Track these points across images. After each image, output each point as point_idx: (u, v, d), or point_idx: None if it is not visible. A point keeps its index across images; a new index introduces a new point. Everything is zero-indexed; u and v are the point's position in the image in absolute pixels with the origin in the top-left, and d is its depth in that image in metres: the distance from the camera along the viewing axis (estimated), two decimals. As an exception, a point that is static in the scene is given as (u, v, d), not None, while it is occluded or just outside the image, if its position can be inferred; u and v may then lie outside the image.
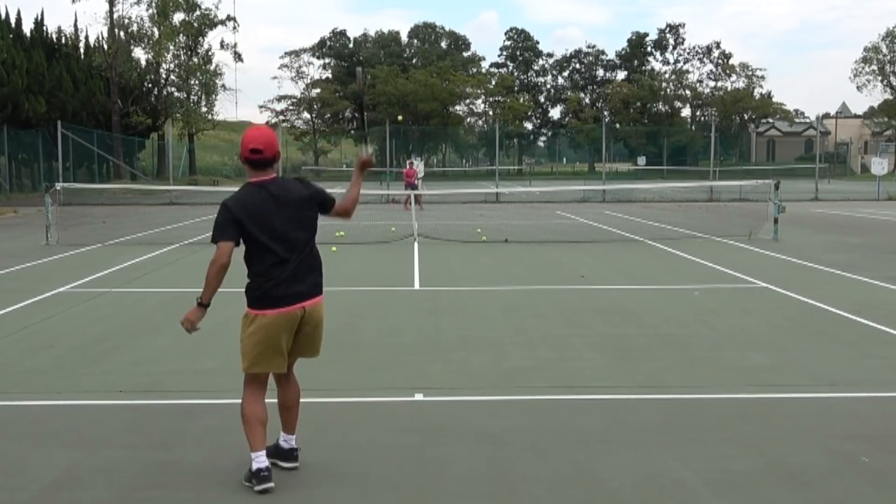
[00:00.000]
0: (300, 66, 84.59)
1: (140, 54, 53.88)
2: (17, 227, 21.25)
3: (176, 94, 56.46)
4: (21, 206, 28.92)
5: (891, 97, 74.93)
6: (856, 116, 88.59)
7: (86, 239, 16.97)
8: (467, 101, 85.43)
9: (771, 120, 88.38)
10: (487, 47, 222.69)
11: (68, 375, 6.50)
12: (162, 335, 7.92)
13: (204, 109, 57.32)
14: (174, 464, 4.59)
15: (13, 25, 41.67)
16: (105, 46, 49.99)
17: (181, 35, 53.57)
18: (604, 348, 7.32)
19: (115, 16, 50.31)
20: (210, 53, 57.09)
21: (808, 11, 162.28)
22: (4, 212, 26.74)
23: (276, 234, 4.29)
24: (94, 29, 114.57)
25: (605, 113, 79.60)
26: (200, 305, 4.45)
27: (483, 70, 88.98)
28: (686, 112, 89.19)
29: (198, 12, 54.21)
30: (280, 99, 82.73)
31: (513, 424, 5.25)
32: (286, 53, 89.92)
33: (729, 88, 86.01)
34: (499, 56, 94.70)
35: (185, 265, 13.38)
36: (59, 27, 68.81)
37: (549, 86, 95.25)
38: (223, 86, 58.34)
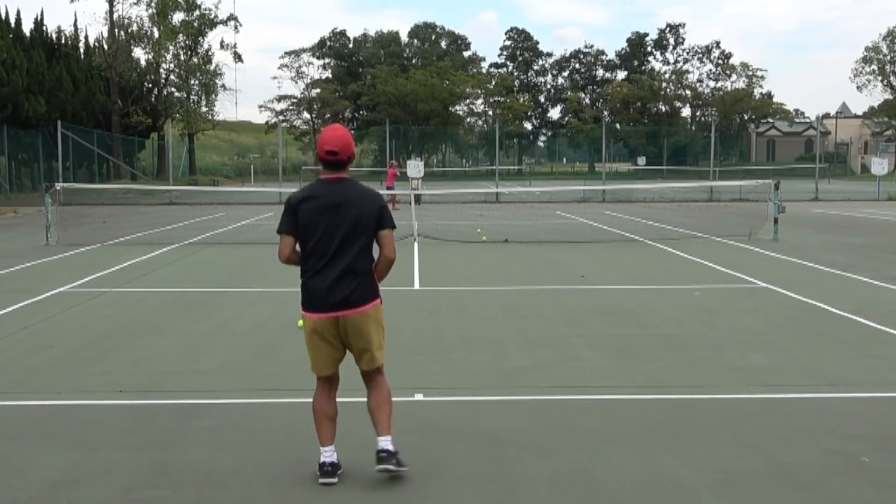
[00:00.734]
0: (300, 66, 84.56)
1: (140, 54, 53.99)
2: (17, 227, 21.25)
3: (176, 94, 56.50)
4: (21, 206, 28.92)
5: (891, 97, 74.97)
6: (856, 116, 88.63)
7: (86, 239, 16.97)
8: (467, 101, 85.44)
9: (771, 120, 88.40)
10: (487, 47, 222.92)
11: (68, 375, 6.50)
12: (162, 335, 7.92)
13: (204, 109, 57.40)
14: (174, 464, 4.59)
15: (13, 25, 41.69)
16: (105, 46, 50.02)
17: (181, 35, 53.59)
18: (604, 348, 7.32)
19: (115, 16, 50.40)
20: (210, 53, 57.20)
21: (808, 11, 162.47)
22: (4, 212, 26.74)
23: (320, 235, 4.26)
24: (94, 29, 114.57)
25: (605, 113, 79.60)
26: None
27: (483, 70, 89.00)
28: (686, 112, 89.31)
29: (197, 12, 54.24)
30: (280, 99, 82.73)
31: (513, 424, 5.25)
32: (286, 53, 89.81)
33: (729, 88, 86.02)
34: (499, 56, 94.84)
35: (185, 265, 13.38)
36: (59, 27, 68.69)
37: (548, 86, 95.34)
38: (223, 86, 58.49)
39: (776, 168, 59.85)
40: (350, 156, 4.33)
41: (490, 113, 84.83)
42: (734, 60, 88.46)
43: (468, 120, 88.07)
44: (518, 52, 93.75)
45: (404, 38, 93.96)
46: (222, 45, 62.37)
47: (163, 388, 6.08)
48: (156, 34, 51.48)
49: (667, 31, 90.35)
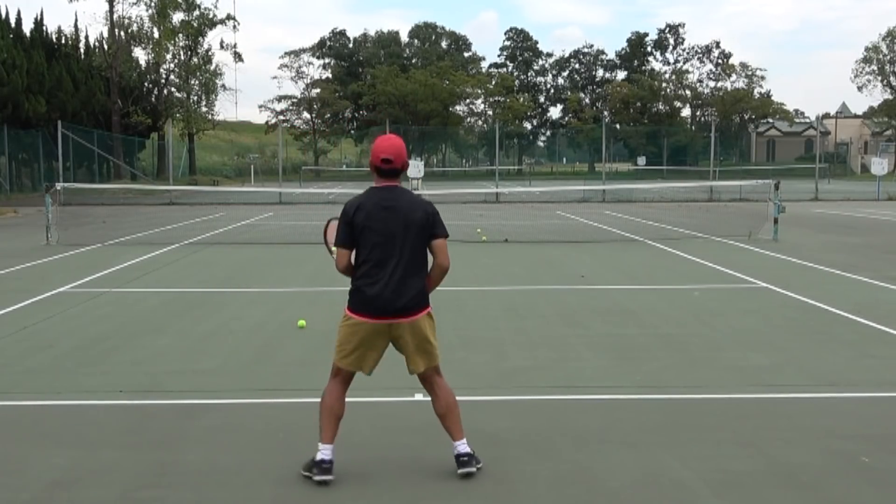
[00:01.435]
0: (300, 66, 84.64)
1: (140, 54, 53.99)
2: (17, 227, 21.25)
3: (176, 94, 56.50)
4: (21, 206, 28.92)
5: (891, 97, 74.98)
6: (856, 116, 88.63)
7: (86, 239, 16.97)
8: (467, 101, 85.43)
9: (771, 120, 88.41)
10: (487, 47, 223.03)
11: (68, 375, 6.50)
12: (162, 335, 7.92)
13: (204, 109, 57.43)
14: (174, 464, 4.59)
15: (13, 25, 41.66)
16: (105, 46, 50.02)
17: (181, 35, 53.59)
18: (604, 348, 7.32)
19: (115, 16, 50.37)
20: (210, 53, 57.23)
21: (807, 11, 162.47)
22: (4, 212, 26.74)
23: (375, 242, 4.32)
24: (94, 29, 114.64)
25: (605, 113, 79.62)
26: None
27: (483, 70, 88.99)
28: (686, 112, 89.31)
29: (197, 12, 54.24)
30: (280, 99, 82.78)
31: (513, 424, 5.25)
32: (286, 53, 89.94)
33: (729, 88, 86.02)
34: (498, 56, 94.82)
35: (185, 265, 13.38)
36: (59, 27, 68.95)
37: (548, 86, 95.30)
38: (223, 86, 58.52)
39: (776, 168, 59.86)
40: (404, 164, 4.42)
41: (490, 113, 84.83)
42: (734, 60, 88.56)
43: (468, 120, 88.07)
44: (518, 52, 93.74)
45: (404, 38, 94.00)
46: (222, 45, 62.58)
47: (163, 388, 6.08)
48: (156, 34, 51.48)
49: (666, 31, 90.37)
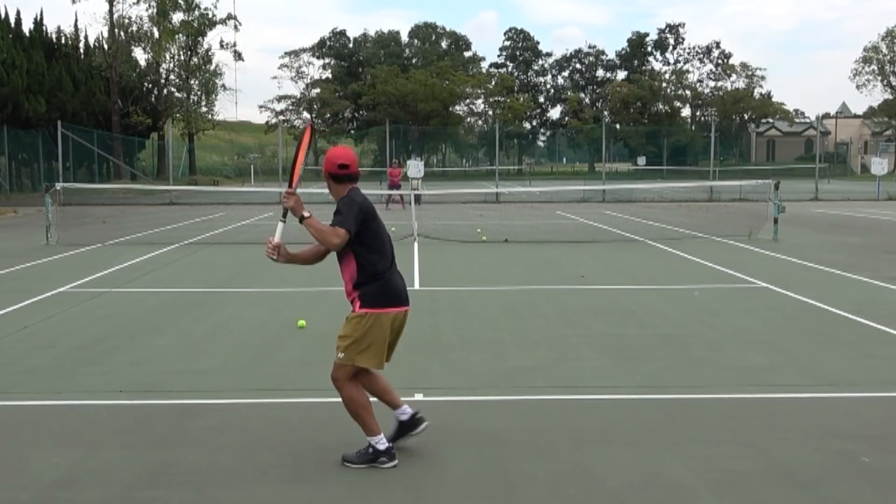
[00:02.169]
0: (300, 66, 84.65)
1: (140, 54, 53.99)
2: (17, 227, 21.25)
3: (176, 94, 56.50)
4: (21, 206, 28.92)
5: (891, 97, 74.96)
6: (856, 116, 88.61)
7: (86, 239, 16.97)
8: (467, 101, 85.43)
9: (771, 120, 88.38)
10: (487, 47, 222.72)
11: (68, 375, 6.50)
12: (162, 335, 7.93)
13: (204, 109, 57.40)
14: (174, 464, 4.59)
15: (13, 25, 41.67)
16: (105, 46, 50.02)
17: (181, 35, 53.59)
18: (604, 348, 7.32)
19: (115, 16, 50.38)
20: (210, 53, 57.20)
21: (807, 11, 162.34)
22: (4, 212, 26.74)
23: (386, 238, 4.78)
24: (94, 29, 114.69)
25: (605, 113, 79.61)
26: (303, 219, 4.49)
27: (483, 70, 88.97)
28: (686, 112, 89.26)
29: (197, 12, 54.24)
30: (280, 99, 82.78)
31: (513, 424, 5.25)
32: (286, 53, 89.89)
33: (729, 88, 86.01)
34: (498, 56, 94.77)
35: (185, 265, 13.39)
36: (59, 27, 68.97)
37: (548, 86, 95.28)
38: (223, 86, 58.49)
39: (776, 168, 59.85)
40: (358, 172, 4.72)
41: (490, 113, 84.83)
42: (734, 60, 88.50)
43: (468, 120, 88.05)
44: (518, 53, 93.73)
45: (404, 38, 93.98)
46: (222, 45, 62.46)
47: (163, 388, 6.08)
48: (156, 34, 51.48)
49: (667, 31, 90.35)
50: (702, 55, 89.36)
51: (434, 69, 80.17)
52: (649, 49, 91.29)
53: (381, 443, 4.50)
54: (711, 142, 41.08)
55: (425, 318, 8.75)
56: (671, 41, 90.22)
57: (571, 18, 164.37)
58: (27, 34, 43.01)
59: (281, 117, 77.89)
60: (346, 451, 4.58)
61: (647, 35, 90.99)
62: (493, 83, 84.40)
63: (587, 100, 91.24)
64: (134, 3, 51.29)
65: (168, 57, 54.08)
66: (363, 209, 4.47)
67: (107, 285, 11.03)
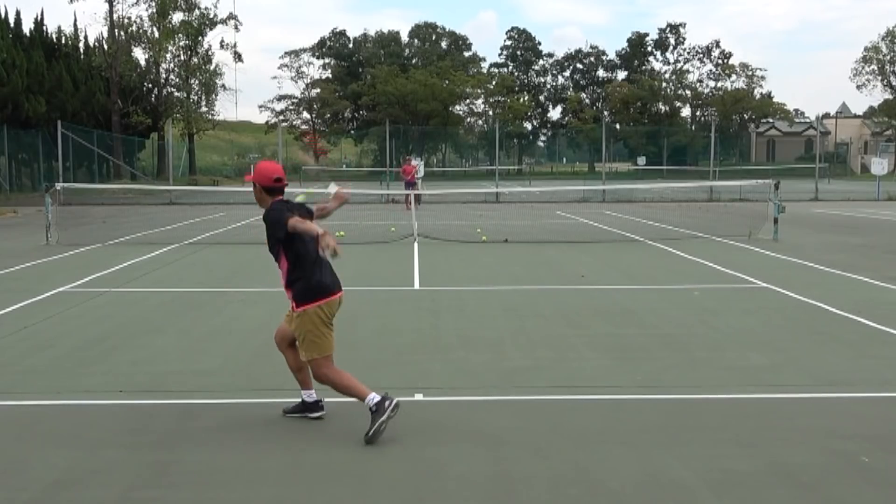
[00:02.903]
0: (300, 66, 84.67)
1: (140, 54, 53.99)
2: (17, 227, 21.25)
3: (176, 94, 56.49)
4: (21, 206, 28.92)
5: (891, 97, 74.97)
6: (856, 116, 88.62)
7: (86, 239, 16.97)
8: (467, 101, 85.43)
9: (771, 120, 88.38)
10: (486, 47, 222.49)
11: (68, 375, 6.50)
12: (162, 335, 7.93)
13: (204, 109, 57.41)
14: (174, 464, 4.59)
15: (13, 25, 41.66)
16: (105, 46, 50.02)
17: (181, 35, 53.58)
18: (604, 348, 7.32)
19: (115, 16, 50.38)
20: (210, 53, 57.18)
21: (807, 11, 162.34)
22: (4, 212, 26.74)
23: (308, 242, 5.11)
24: (94, 29, 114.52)
25: (605, 113, 79.60)
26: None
27: (483, 70, 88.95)
28: (686, 112, 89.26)
29: (197, 12, 54.25)
30: (280, 99, 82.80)
31: (513, 424, 5.25)
32: (286, 53, 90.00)
33: (729, 88, 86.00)
34: (499, 56, 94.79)
35: (185, 265, 13.39)
36: (59, 27, 68.86)
37: (549, 86, 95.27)
38: (223, 86, 58.50)
39: (776, 168, 59.82)
40: (285, 183, 5.22)
41: (490, 113, 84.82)
42: (734, 60, 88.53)
43: (468, 120, 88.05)
44: (519, 52, 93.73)
45: (404, 38, 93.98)
46: (222, 45, 62.51)
47: (163, 388, 6.08)
48: (155, 34, 51.48)
49: (667, 31, 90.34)
50: (702, 55, 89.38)
51: (434, 69, 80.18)
52: (649, 49, 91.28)
53: (373, 398, 4.88)
54: (711, 142, 41.09)
55: (425, 318, 8.75)
56: (671, 41, 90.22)
57: (571, 18, 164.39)
58: (27, 34, 43.00)
59: (281, 117, 77.87)
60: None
61: (647, 35, 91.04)
62: (494, 83, 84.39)
63: (587, 100, 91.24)
64: (133, 4, 51.29)
65: (168, 57, 54.08)
66: (283, 211, 4.98)
67: (107, 285, 11.03)
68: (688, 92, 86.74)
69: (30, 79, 39.83)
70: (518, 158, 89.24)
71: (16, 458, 4.69)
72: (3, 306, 9.33)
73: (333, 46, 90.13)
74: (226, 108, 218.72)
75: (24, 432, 5.17)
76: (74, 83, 44.59)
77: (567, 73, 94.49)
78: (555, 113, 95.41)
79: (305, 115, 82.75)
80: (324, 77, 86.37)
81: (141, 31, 51.67)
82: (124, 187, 36.10)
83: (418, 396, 5.88)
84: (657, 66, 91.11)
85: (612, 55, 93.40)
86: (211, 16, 55.06)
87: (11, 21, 41.62)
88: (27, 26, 43.93)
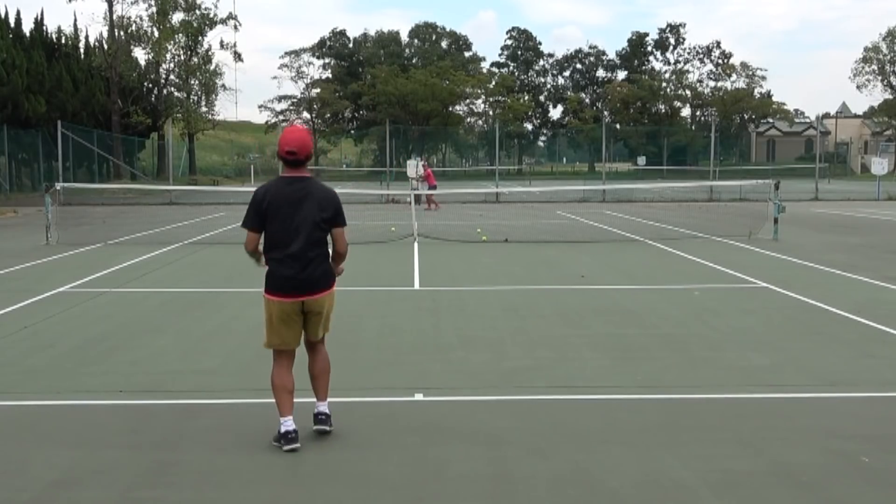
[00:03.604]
0: (300, 66, 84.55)
1: (140, 54, 53.99)
2: (17, 227, 21.25)
3: (176, 94, 56.49)
4: (21, 206, 28.92)
5: (891, 97, 74.96)
6: (856, 116, 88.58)
7: (86, 239, 16.97)
8: (467, 101, 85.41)
9: (771, 120, 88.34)
10: (485, 46, 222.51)
11: (68, 375, 6.50)
12: (162, 335, 7.93)
13: (204, 109, 57.41)
14: (174, 464, 4.59)
15: (13, 25, 41.65)
16: (105, 46, 50.02)
17: (181, 35, 53.58)
18: (604, 348, 7.32)
19: (115, 16, 50.38)
20: (210, 53, 57.18)
21: (806, 11, 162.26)
22: (4, 212, 26.74)
23: (283, 227, 4.75)
24: (94, 29, 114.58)
25: (605, 113, 79.58)
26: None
27: (483, 70, 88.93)
28: (686, 112, 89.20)
29: (197, 12, 54.24)
30: (280, 99, 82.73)
31: (513, 424, 5.25)
32: (286, 53, 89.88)
33: (729, 88, 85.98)
34: (499, 56, 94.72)
35: (185, 265, 13.39)
36: (59, 27, 68.60)
37: (549, 86, 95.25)
38: (223, 86, 58.49)
39: (776, 168, 59.80)
40: (307, 155, 4.82)
41: (490, 113, 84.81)
42: (734, 60, 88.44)
43: (468, 120, 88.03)
44: (519, 52, 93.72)
45: (405, 38, 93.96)
46: (222, 45, 62.38)
47: (163, 388, 6.08)
48: (155, 34, 51.48)
49: (667, 30, 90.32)
50: (702, 55, 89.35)
51: (434, 69, 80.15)
52: (649, 49, 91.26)
53: (283, 425, 4.72)
54: (711, 142, 41.09)
55: (425, 318, 8.75)
56: (671, 41, 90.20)
57: (571, 18, 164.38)
58: (27, 34, 42.98)
59: (281, 117, 77.85)
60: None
61: (647, 35, 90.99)
62: (494, 83, 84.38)
63: (587, 100, 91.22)
64: (133, 3, 51.27)
65: (168, 57, 54.07)
66: (254, 200, 4.81)
67: (107, 285, 11.03)
68: (688, 92, 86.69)
69: (30, 79, 39.83)
70: (518, 158, 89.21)
71: (16, 458, 4.69)
72: (4, 306, 9.33)
73: (333, 46, 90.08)
74: (226, 108, 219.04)
75: (24, 432, 5.17)
76: (74, 83, 44.58)
77: (567, 73, 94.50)
78: (555, 113, 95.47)
79: (305, 115, 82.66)
80: (324, 77, 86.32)
81: (141, 31, 51.68)
82: (124, 187, 36.10)
83: (418, 396, 5.88)
84: (657, 66, 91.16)
85: (612, 55, 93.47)
86: (211, 16, 55.07)
87: (12, 21, 41.62)
88: (27, 26, 43.98)
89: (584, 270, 12.40)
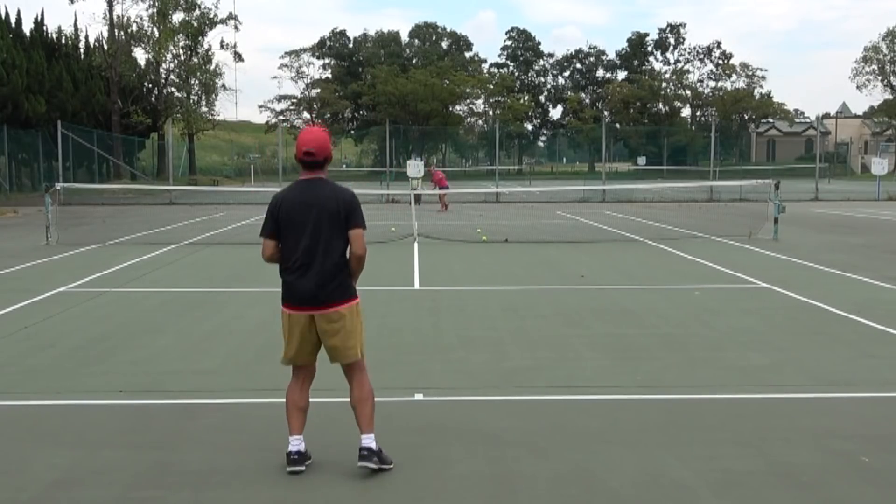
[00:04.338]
0: (300, 66, 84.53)
1: (140, 54, 53.99)
2: (17, 227, 21.25)
3: (176, 94, 56.49)
4: (21, 206, 28.92)
5: (891, 97, 74.96)
6: (856, 116, 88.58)
7: (86, 239, 16.97)
8: (467, 101, 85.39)
9: (771, 120, 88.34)
10: (484, 46, 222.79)
11: (68, 375, 6.50)
12: (162, 335, 7.92)
13: (204, 109, 57.40)
14: (174, 464, 4.59)
15: (13, 25, 41.66)
16: (105, 46, 50.02)
17: (181, 35, 53.59)
18: (604, 348, 7.32)
19: (115, 16, 50.38)
20: (210, 53, 57.19)
21: (806, 11, 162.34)
22: (4, 212, 26.74)
23: (297, 233, 4.45)
24: (94, 29, 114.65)
25: (605, 113, 79.57)
26: None
27: (483, 71, 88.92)
28: (686, 112, 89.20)
29: (197, 12, 54.25)
30: (280, 99, 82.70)
31: (513, 424, 5.25)
32: (286, 53, 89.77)
33: (729, 88, 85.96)
34: (499, 56, 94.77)
35: (185, 265, 13.39)
36: (59, 27, 68.69)
37: (549, 86, 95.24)
38: (223, 86, 58.47)
39: (776, 168, 59.83)
40: (326, 157, 4.47)
41: (490, 113, 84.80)
42: (734, 60, 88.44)
43: (468, 120, 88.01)
44: (519, 53, 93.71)
45: (405, 38, 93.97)
46: (222, 45, 62.38)
47: (163, 388, 6.08)
48: (156, 34, 51.48)
49: (667, 31, 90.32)
50: (702, 55, 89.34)
51: (434, 69, 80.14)
52: (650, 49, 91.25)
53: (289, 444, 4.48)
54: (711, 142, 41.10)
55: (425, 318, 8.75)
56: (671, 41, 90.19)
57: (571, 18, 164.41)
58: (27, 34, 42.99)
59: (281, 117, 77.84)
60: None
61: (647, 35, 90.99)
62: (494, 83, 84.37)
63: (587, 100, 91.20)
64: (133, 3, 51.26)
65: (168, 57, 54.08)
66: (270, 206, 4.55)
67: (107, 285, 11.03)
68: (688, 92, 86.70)
69: (30, 79, 39.82)
70: (518, 158, 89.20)
71: (16, 458, 4.69)
72: (4, 306, 9.33)
73: (333, 46, 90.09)
74: (226, 108, 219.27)
75: (24, 432, 5.17)
76: (74, 83, 44.58)
77: (567, 74, 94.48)
78: (555, 113, 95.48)
79: (305, 115, 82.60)
80: (324, 77, 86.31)
81: (141, 31, 51.68)
82: (124, 187, 36.09)
83: (418, 396, 5.88)
84: (657, 66, 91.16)
85: (612, 55, 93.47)
86: (211, 16, 55.08)
87: (12, 21, 41.63)
88: (27, 26, 44.02)
89: (584, 270, 12.40)
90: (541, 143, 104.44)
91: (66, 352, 7.26)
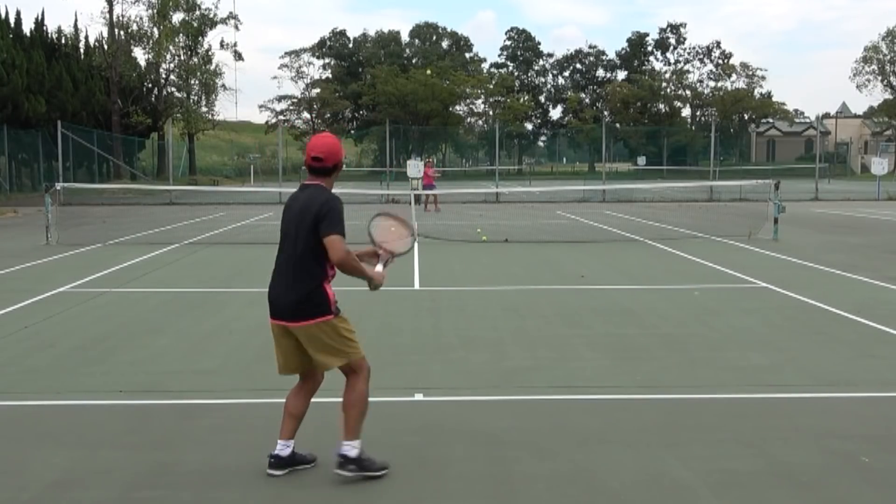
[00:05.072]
0: (300, 66, 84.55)
1: (140, 54, 54.00)
2: (17, 227, 21.25)
3: (176, 94, 56.51)
4: (21, 206, 28.91)
5: (891, 97, 74.94)
6: (856, 116, 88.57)
7: (86, 239, 16.97)
8: (467, 101, 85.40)
9: (771, 120, 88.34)
10: (484, 46, 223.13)
11: (68, 375, 6.50)
12: (162, 335, 7.92)
13: (204, 109, 57.43)
14: (174, 464, 4.59)
15: (13, 25, 41.65)
16: (105, 46, 50.03)
17: (181, 35, 53.60)
18: (604, 348, 7.32)
19: (115, 15, 50.39)
20: (210, 53, 57.22)
21: (806, 11, 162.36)
22: (4, 212, 26.74)
23: (281, 239, 4.41)
24: (94, 29, 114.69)
25: (605, 113, 79.59)
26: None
27: (483, 71, 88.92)
28: (686, 112, 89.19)
29: (197, 12, 54.26)
30: (280, 99, 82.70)
31: (513, 424, 5.25)
32: (286, 53, 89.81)
33: (729, 88, 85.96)
34: (499, 56, 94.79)
35: (185, 265, 13.38)
36: (59, 27, 68.72)
37: (549, 86, 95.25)
38: (223, 86, 58.51)
39: (776, 168, 59.82)
40: (336, 164, 4.34)
41: (490, 113, 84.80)
42: (734, 60, 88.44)
43: (468, 120, 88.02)
44: (519, 53, 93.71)
45: (405, 38, 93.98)
46: (222, 45, 62.48)
47: (163, 388, 6.08)
48: (156, 34, 51.50)
49: (667, 30, 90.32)
50: (702, 55, 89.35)
51: (434, 69, 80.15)
52: (650, 49, 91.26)
53: (277, 448, 4.44)
54: (711, 142, 41.09)
55: (425, 318, 8.76)
56: (671, 41, 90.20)
57: (570, 18, 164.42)
58: (27, 34, 43.00)
59: (281, 117, 77.84)
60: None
61: (647, 35, 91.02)
62: (494, 83, 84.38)
63: (587, 100, 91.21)
64: (133, 3, 51.26)
65: (168, 57, 54.10)
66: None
67: (107, 285, 11.03)
68: (688, 92, 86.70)
69: (30, 79, 39.82)
70: (518, 158, 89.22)
71: (16, 458, 4.69)
72: (4, 306, 9.33)
73: (333, 46, 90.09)
74: (226, 108, 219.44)
75: (24, 432, 5.17)
76: (74, 83, 44.57)
77: (567, 74, 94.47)
78: (555, 113, 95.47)
79: (305, 115, 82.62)
80: (324, 77, 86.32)
81: (141, 31, 51.70)
82: (124, 187, 36.09)
83: (418, 396, 5.88)
84: (657, 66, 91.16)
85: (611, 55, 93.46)
86: (211, 16, 55.11)
87: (12, 21, 41.62)
88: (27, 26, 44.02)
89: (584, 270, 12.40)
90: (541, 143, 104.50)
91: (66, 352, 7.26)
